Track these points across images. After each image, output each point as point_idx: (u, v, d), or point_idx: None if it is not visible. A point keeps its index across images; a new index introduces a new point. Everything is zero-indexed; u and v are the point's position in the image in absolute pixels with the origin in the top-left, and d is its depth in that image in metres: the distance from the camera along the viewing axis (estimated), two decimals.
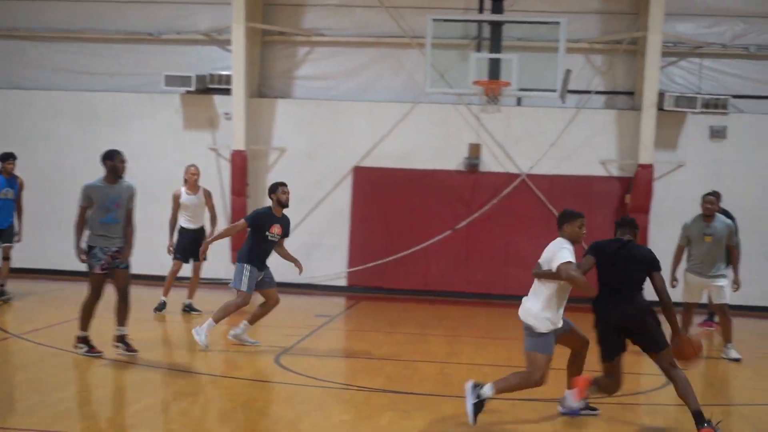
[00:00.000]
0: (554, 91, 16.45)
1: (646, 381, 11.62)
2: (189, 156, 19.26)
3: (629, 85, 19.36)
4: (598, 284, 8.97)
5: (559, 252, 8.89)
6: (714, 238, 12.88)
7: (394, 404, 9.27)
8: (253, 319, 12.48)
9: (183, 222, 15.17)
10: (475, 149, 19.11)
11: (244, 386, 10.05)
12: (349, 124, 19.52)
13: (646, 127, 18.31)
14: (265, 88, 20.01)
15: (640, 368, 12.28)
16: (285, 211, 12.62)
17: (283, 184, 12.63)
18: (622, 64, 19.31)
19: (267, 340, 13.15)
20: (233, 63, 19.03)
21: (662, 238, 17.12)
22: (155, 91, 19.71)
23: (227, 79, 19.23)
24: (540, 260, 9.10)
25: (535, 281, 9.11)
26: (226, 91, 19.28)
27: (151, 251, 15.92)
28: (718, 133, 18.91)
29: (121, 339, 11.18)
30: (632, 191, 18.41)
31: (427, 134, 19.31)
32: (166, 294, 15.05)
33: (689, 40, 19.07)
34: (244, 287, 12.09)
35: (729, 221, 13.35)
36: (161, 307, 14.97)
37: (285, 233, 12.55)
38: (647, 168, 18.36)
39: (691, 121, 18.91)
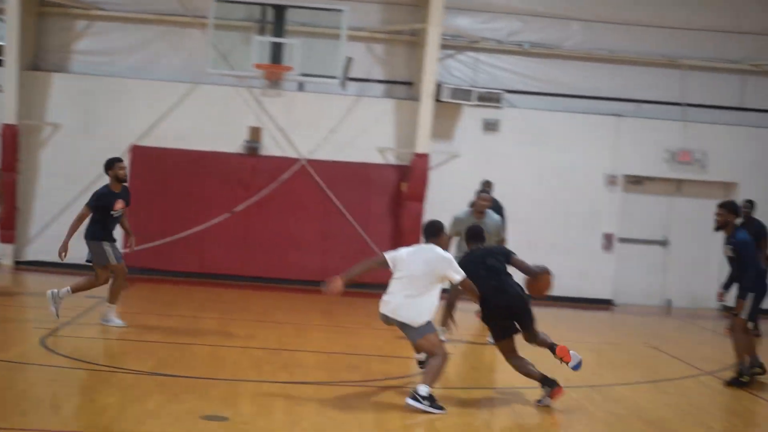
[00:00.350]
0: (335, 77, 16.65)
1: (414, 364, 11.97)
2: None
3: (408, 76, 19.78)
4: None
5: (453, 263, 9.62)
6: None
7: (163, 387, 9.18)
8: (114, 298, 12.71)
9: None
10: (255, 133, 19.10)
11: (5, 369, 9.68)
12: (128, 101, 19.11)
13: (423, 118, 18.76)
14: (40, 61, 19.32)
15: (410, 352, 12.65)
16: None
17: (119, 160, 12.85)
18: (402, 54, 19.72)
19: (34, 321, 12.82)
20: (6, 33, 18.30)
21: None
22: None
23: (0, 50, 18.47)
24: (419, 266, 9.52)
25: (420, 282, 9.46)
26: None
27: None
28: (491, 126, 19.61)
29: None
30: (408, 179, 18.84)
31: (207, 116, 19.14)
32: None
33: (467, 35, 19.67)
34: (113, 260, 12.49)
35: (498, 217, 13.91)
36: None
37: (127, 203, 12.79)
38: (423, 157, 18.83)
39: (467, 113, 19.53)
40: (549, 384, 9.78)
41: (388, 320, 9.66)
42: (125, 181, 12.77)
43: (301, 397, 9.19)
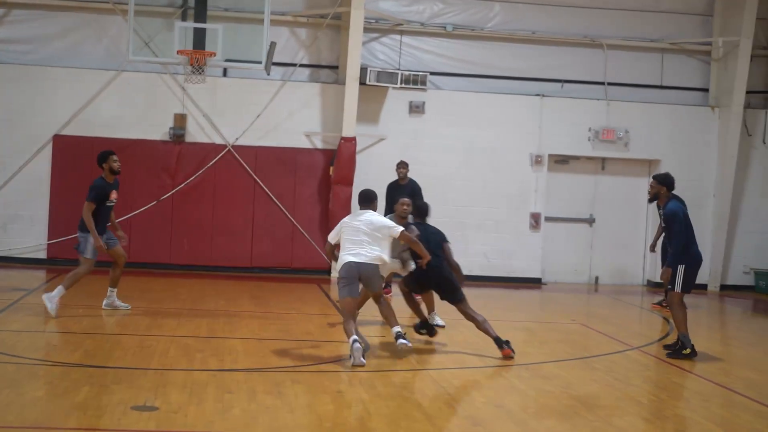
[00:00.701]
0: (260, 62, 16.56)
1: (345, 349, 12.00)
2: None
3: (333, 60, 19.78)
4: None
5: (389, 222, 11.36)
6: None
7: (92, 378, 9.09)
8: (115, 282, 13.48)
9: None
10: (180, 119, 18.96)
11: None
12: (49, 90, 18.83)
13: (349, 101, 18.77)
14: None
15: (341, 336, 12.67)
16: None
17: (113, 153, 13.24)
18: (326, 38, 19.70)
19: None
20: None
21: None
22: None
23: None
24: (367, 226, 11.04)
25: (371, 237, 11.00)
26: None
27: None
28: (417, 108, 19.68)
29: None
30: (336, 163, 18.84)
31: (131, 103, 18.96)
32: None
33: (391, 17, 19.71)
34: (89, 255, 12.90)
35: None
36: None
37: (117, 194, 13.29)
38: (350, 141, 18.84)
39: (392, 96, 19.58)
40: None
41: (360, 268, 10.91)
42: (119, 172, 13.18)
43: (231, 385, 9.16)
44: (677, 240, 11.82)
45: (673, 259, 11.89)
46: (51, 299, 12.73)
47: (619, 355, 12.17)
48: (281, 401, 8.66)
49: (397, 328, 11.01)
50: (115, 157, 13.17)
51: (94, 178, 13.65)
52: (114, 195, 13.15)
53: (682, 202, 12.44)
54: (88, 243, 12.89)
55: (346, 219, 11.37)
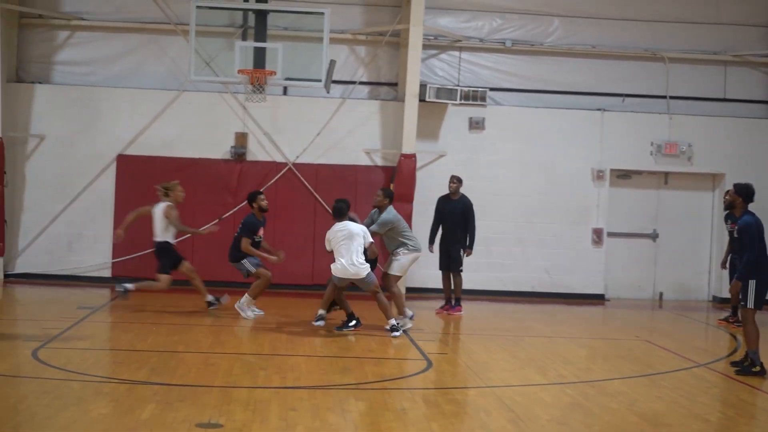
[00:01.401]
0: (319, 80, 16.61)
1: (407, 366, 11.98)
2: None
3: (392, 77, 19.80)
4: None
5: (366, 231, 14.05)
6: None
7: (157, 396, 9.16)
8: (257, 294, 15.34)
9: (170, 238, 15.66)
10: (241, 138, 19.08)
11: None
12: (111, 111, 19.08)
13: (408, 118, 18.76)
14: (22, 72, 19.28)
15: (405, 353, 12.67)
16: None
17: (260, 192, 15.39)
18: (385, 55, 19.73)
19: (25, 333, 12.83)
20: None
21: (425, 226, 17.65)
22: None
23: None
24: (346, 234, 13.66)
25: (352, 245, 13.65)
26: None
27: None
28: (476, 124, 19.63)
29: None
30: (396, 180, 18.83)
31: (192, 122, 19.13)
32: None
33: (449, 34, 19.69)
34: (254, 268, 15.20)
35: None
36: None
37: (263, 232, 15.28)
38: (410, 158, 18.82)
39: (452, 112, 19.55)
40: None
41: (342, 281, 13.81)
42: (267, 210, 15.42)
43: (295, 402, 9.17)
44: (749, 253, 11.59)
45: (743, 272, 11.65)
46: (243, 308, 15.03)
47: (685, 372, 12.00)
48: (344, 419, 8.65)
49: (391, 321, 13.73)
50: (263, 197, 15.29)
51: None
52: (261, 231, 15.22)
53: (757, 217, 12.08)
54: (248, 264, 15.14)
55: (329, 233, 13.91)
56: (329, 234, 13.85)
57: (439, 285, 17.17)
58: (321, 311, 14.29)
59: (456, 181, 16.77)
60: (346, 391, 9.87)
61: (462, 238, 16.60)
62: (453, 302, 16.66)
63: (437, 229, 16.86)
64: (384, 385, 10.29)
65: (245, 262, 15.16)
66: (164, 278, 15.29)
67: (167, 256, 15.40)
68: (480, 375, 11.28)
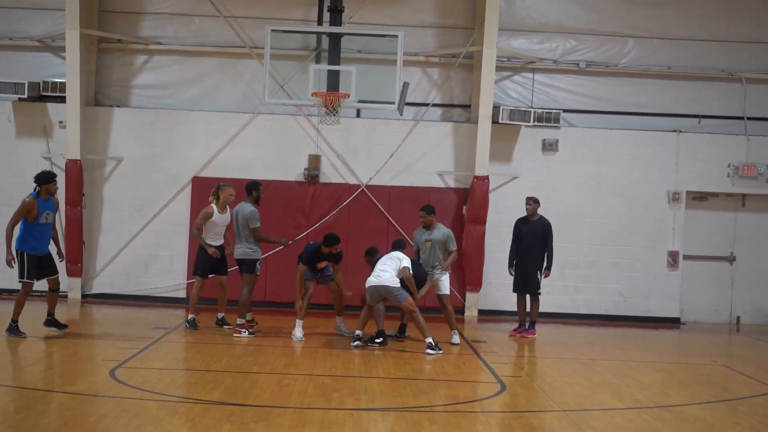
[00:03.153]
0: (392, 103, 16.65)
1: (481, 389, 11.92)
2: (22, 164, 18.87)
3: (465, 99, 19.79)
4: None
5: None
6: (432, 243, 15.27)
7: (232, 416, 9.21)
8: (340, 311, 15.80)
9: (209, 239, 15.59)
10: (314, 160, 19.21)
11: (77, 401, 9.80)
12: (187, 134, 19.35)
13: (481, 140, 18.73)
14: (101, 96, 19.64)
15: (479, 376, 12.60)
16: None
17: (337, 240, 15.18)
18: (458, 77, 19.74)
19: (102, 353, 13.02)
20: (67, 70, 18.61)
21: (498, 248, 17.58)
22: None
23: (62, 87, 18.80)
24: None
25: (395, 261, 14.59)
26: (61, 99, 18.84)
27: None
28: (550, 146, 19.52)
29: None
30: (469, 202, 18.80)
31: (266, 145, 19.32)
32: (194, 311, 15.78)
33: (522, 56, 19.64)
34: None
35: (446, 230, 15.47)
36: (193, 323, 15.65)
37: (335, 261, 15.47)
38: (483, 179, 18.78)
39: (525, 134, 19.47)
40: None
41: (377, 290, 14.41)
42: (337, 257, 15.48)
43: (369, 425, 9.17)
44: None
45: None
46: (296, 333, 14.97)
47: (764, 397, 11.79)
48: None
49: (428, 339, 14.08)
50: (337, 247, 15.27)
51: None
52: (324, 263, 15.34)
53: None
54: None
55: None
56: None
57: (512, 307, 17.07)
58: (358, 331, 14.67)
59: (532, 202, 16.65)
60: (420, 413, 9.84)
61: (539, 260, 16.45)
62: (527, 325, 16.54)
63: (516, 251, 16.71)
64: (457, 408, 10.24)
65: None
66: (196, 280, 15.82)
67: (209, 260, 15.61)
68: (554, 398, 11.17)
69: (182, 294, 19.18)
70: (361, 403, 10.25)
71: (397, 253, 14.72)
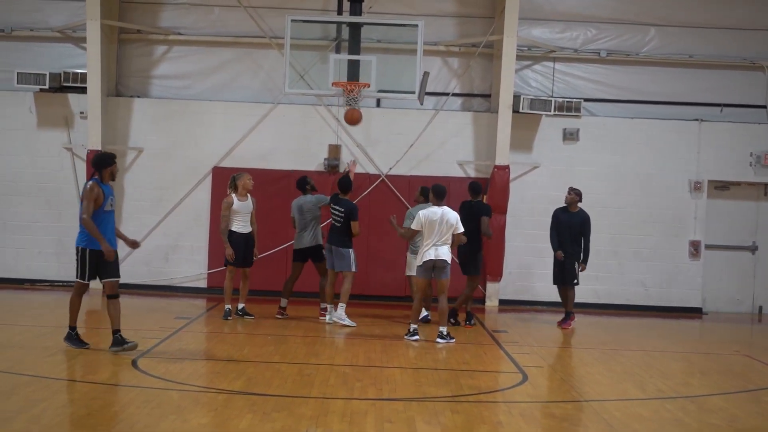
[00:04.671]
0: (413, 92, 16.63)
1: (503, 379, 11.90)
2: (43, 155, 18.98)
3: (485, 88, 19.75)
4: None
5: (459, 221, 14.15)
6: None
7: (254, 406, 9.22)
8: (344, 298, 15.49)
9: (236, 227, 15.55)
10: (334, 150, 19.21)
11: (100, 391, 9.84)
12: (207, 124, 19.38)
13: (502, 129, 18.69)
14: (121, 86, 19.70)
15: (500, 366, 12.59)
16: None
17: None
18: (478, 67, 19.69)
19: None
20: (88, 61, 18.67)
21: (519, 237, 17.52)
22: (7, 89, 19.20)
23: (83, 78, 18.86)
24: (449, 223, 13.94)
25: (447, 236, 13.93)
26: (82, 90, 18.91)
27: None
28: (571, 135, 19.47)
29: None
30: (489, 192, 18.76)
31: (286, 135, 19.33)
32: (229, 301, 15.63)
33: (543, 44, 19.58)
34: (354, 268, 15.43)
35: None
36: (229, 314, 15.54)
37: None
38: (504, 169, 18.74)
39: (546, 124, 19.42)
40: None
41: (435, 263, 13.88)
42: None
43: (391, 414, 9.15)
44: None
45: None
46: (342, 318, 15.18)
47: None
48: (441, 431, 8.61)
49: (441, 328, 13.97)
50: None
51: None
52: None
53: None
54: (351, 258, 15.39)
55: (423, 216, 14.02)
56: (425, 215, 14.02)
57: (532, 297, 17.06)
58: (413, 325, 14.21)
59: (573, 193, 16.52)
60: (442, 403, 9.83)
61: (576, 252, 16.37)
62: (565, 315, 16.51)
63: (557, 237, 16.60)
64: (479, 398, 10.23)
65: (351, 253, 15.53)
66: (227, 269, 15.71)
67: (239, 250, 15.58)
68: (576, 388, 11.15)
69: (203, 284, 19.25)
70: (383, 393, 10.24)
71: (451, 214, 14.12)
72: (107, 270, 11.95)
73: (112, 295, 12.05)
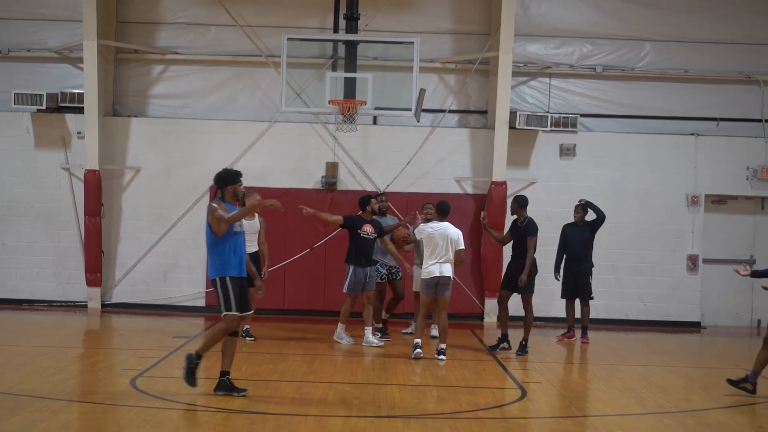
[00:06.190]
0: (409, 109, 16.69)
1: (502, 395, 11.89)
2: (41, 175, 19.01)
3: (482, 104, 19.79)
4: None
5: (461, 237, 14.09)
6: None
7: (254, 425, 9.22)
8: (343, 318, 15.45)
9: None
10: (332, 168, 19.23)
11: (98, 411, 9.83)
12: (205, 143, 19.41)
13: (498, 145, 18.72)
14: (118, 106, 19.72)
15: (500, 382, 12.58)
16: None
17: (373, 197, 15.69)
18: (474, 83, 19.73)
19: (123, 362, 13.06)
20: (85, 81, 18.70)
21: None
22: (5, 110, 19.24)
23: (80, 98, 18.88)
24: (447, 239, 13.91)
25: (450, 253, 13.88)
26: (79, 110, 18.92)
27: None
28: (567, 151, 19.49)
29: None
30: (486, 208, 18.75)
31: (284, 153, 19.35)
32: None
33: (539, 61, 19.63)
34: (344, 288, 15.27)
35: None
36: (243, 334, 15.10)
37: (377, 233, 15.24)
38: (501, 185, 18.76)
39: (542, 139, 19.46)
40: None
41: (438, 280, 13.84)
42: (376, 214, 15.57)
43: None
44: None
45: None
46: (341, 337, 15.18)
47: None
48: None
49: (442, 345, 13.90)
50: (375, 200, 15.55)
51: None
52: (368, 228, 15.22)
53: None
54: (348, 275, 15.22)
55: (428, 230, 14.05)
56: (425, 229, 14.10)
57: (541, 314, 17.15)
58: (417, 340, 14.15)
59: (581, 210, 16.86)
60: (441, 420, 9.82)
61: (590, 264, 16.64)
62: (581, 331, 16.53)
63: (563, 257, 16.72)
64: (478, 415, 10.21)
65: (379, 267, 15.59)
66: None
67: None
68: (576, 404, 11.14)
69: (201, 303, 19.23)
70: (381, 410, 10.23)
71: (452, 230, 14.12)
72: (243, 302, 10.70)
73: (235, 332, 10.84)
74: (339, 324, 15.39)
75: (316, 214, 15.05)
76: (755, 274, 12.28)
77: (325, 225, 18.63)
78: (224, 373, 10.73)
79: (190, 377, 10.60)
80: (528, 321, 15.04)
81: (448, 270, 13.91)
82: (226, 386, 10.65)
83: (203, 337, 10.90)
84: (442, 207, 14.28)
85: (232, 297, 10.50)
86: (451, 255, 13.94)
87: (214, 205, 10.67)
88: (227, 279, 10.52)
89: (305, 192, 19.19)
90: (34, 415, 9.40)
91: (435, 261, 13.89)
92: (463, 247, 14.05)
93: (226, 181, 11.09)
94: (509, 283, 15.07)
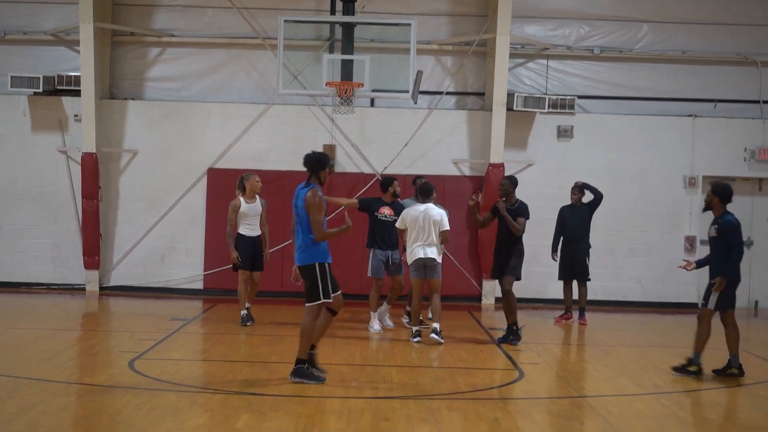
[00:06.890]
0: (406, 92, 16.68)
1: (499, 376, 11.92)
2: (38, 158, 19.00)
3: (479, 86, 19.76)
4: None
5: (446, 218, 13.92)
6: None
7: (251, 406, 9.24)
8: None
9: (243, 230, 15.05)
10: (329, 150, 19.21)
11: (96, 393, 9.85)
12: (202, 125, 19.40)
13: (496, 127, 18.70)
14: (115, 89, 19.69)
15: (497, 363, 12.61)
16: None
17: (395, 179, 15.41)
18: (472, 65, 19.69)
19: (121, 345, 13.10)
20: (82, 64, 18.66)
21: None
22: (1, 93, 19.24)
23: (77, 80, 18.83)
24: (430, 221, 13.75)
25: (434, 234, 13.76)
26: (76, 93, 18.90)
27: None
28: (565, 132, 19.49)
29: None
30: (484, 190, 18.77)
31: (281, 135, 19.33)
32: (244, 306, 15.08)
33: (536, 42, 19.59)
34: (368, 272, 15.06)
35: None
36: (248, 319, 15.03)
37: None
38: (498, 167, 18.75)
39: (540, 121, 19.45)
40: None
41: (425, 262, 13.79)
42: (398, 197, 15.21)
43: (387, 412, 9.17)
44: (735, 254, 12.12)
45: (723, 271, 12.01)
46: (372, 327, 14.79)
47: None
48: (438, 429, 8.63)
49: (435, 325, 13.69)
50: (396, 183, 15.18)
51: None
52: (386, 210, 15.01)
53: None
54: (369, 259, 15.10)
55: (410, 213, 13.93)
56: (407, 211, 14.03)
57: (528, 294, 17.12)
58: (415, 328, 14.11)
59: (578, 191, 16.85)
60: (438, 401, 9.84)
61: (587, 246, 16.68)
62: (578, 313, 16.57)
63: (560, 238, 16.75)
64: (476, 395, 10.25)
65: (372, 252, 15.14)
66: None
67: (247, 253, 15.10)
68: (573, 385, 11.18)
69: (199, 285, 19.25)
70: (379, 391, 10.27)
71: (434, 211, 13.95)
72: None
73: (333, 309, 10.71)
74: (371, 313, 15.06)
75: (330, 199, 14.59)
76: (700, 264, 12.38)
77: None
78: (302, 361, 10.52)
79: (312, 373, 10.56)
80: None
81: (432, 252, 13.83)
82: (302, 373, 10.50)
83: (303, 335, 10.46)
84: (424, 188, 14.15)
85: (330, 281, 10.49)
86: (434, 237, 13.80)
87: (312, 194, 10.81)
88: (326, 265, 10.55)
89: (302, 174, 18.99)
90: (32, 397, 9.42)
91: (419, 243, 13.82)
92: (447, 227, 13.87)
93: (320, 164, 11.00)
94: (500, 270, 14.37)
